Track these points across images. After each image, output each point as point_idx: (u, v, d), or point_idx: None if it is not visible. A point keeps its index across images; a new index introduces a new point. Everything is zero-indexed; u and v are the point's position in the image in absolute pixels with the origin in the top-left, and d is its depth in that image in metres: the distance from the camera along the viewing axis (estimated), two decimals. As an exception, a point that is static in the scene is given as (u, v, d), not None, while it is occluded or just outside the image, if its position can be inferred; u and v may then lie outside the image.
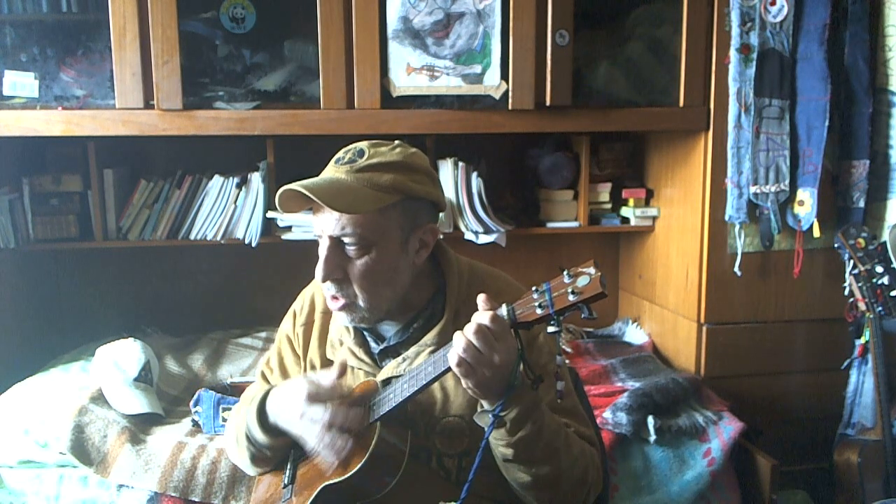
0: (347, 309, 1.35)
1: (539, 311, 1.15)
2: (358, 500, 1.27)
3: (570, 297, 1.11)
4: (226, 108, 2.10)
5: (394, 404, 1.27)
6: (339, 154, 1.35)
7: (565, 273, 1.13)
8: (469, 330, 1.16)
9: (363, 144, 1.35)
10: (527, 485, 1.28)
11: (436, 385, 1.33)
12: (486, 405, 1.23)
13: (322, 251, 1.32)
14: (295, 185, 1.27)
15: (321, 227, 1.32)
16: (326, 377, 1.33)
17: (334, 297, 1.35)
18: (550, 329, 1.15)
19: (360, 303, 1.33)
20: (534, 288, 1.17)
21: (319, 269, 1.31)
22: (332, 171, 1.33)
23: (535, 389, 1.21)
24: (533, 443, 1.23)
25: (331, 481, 1.26)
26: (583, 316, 1.12)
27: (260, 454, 1.43)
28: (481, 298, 1.21)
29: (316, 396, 1.30)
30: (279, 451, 1.44)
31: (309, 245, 1.64)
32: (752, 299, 2.34)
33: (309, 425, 1.29)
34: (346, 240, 1.30)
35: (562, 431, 1.30)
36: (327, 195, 1.26)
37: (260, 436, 1.39)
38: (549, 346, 1.40)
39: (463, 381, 1.19)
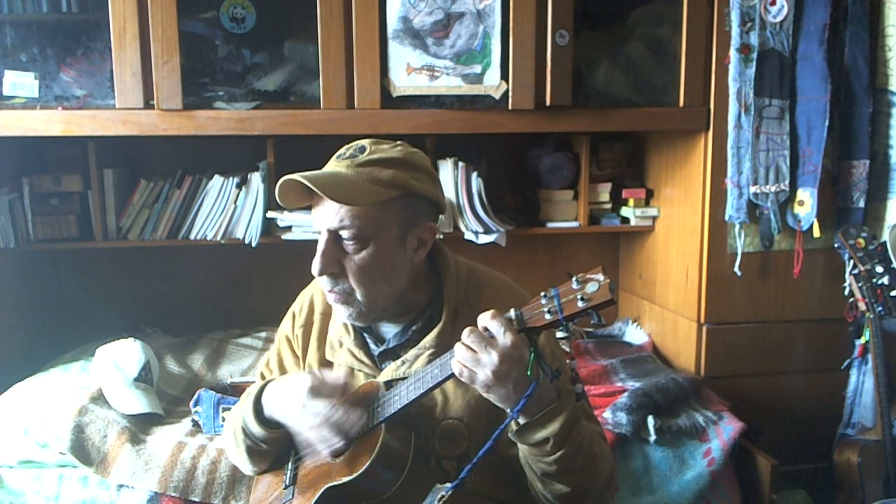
0: (345, 302, 1.34)
1: (548, 316, 1.15)
2: (361, 502, 1.27)
3: (580, 304, 1.11)
4: (226, 108, 2.10)
5: (399, 406, 1.27)
6: (341, 150, 1.36)
7: (574, 279, 1.13)
8: (464, 335, 1.17)
9: (365, 141, 1.36)
10: (564, 496, 1.27)
11: (436, 388, 1.33)
12: (509, 411, 1.21)
13: (319, 245, 1.32)
14: (296, 176, 1.27)
15: (319, 221, 1.32)
16: (331, 375, 1.33)
17: (331, 292, 1.35)
18: (559, 335, 1.15)
19: (358, 297, 1.33)
20: (542, 293, 1.17)
21: (316, 263, 1.31)
22: (333, 166, 1.33)
23: (550, 382, 1.20)
24: (574, 455, 1.23)
25: (335, 482, 1.27)
26: (592, 322, 1.12)
27: (256, 447, 1.43)
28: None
29: (318, 391, 1.30)
30: (275, 446, 1.44)
31: (309, 245, 1.63)
32: (752, 299, 2.34)
33: (308, 418, 1.29)
34: (343, 234, 1.30)
35: (594, 437, 1.30)
36: (327, 186, 1.26)
37: (256, 428, 1.40)
38: (552, 346, 1.40)
39: (479, 390, 1.18)
